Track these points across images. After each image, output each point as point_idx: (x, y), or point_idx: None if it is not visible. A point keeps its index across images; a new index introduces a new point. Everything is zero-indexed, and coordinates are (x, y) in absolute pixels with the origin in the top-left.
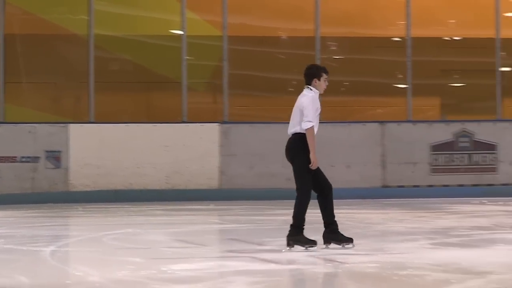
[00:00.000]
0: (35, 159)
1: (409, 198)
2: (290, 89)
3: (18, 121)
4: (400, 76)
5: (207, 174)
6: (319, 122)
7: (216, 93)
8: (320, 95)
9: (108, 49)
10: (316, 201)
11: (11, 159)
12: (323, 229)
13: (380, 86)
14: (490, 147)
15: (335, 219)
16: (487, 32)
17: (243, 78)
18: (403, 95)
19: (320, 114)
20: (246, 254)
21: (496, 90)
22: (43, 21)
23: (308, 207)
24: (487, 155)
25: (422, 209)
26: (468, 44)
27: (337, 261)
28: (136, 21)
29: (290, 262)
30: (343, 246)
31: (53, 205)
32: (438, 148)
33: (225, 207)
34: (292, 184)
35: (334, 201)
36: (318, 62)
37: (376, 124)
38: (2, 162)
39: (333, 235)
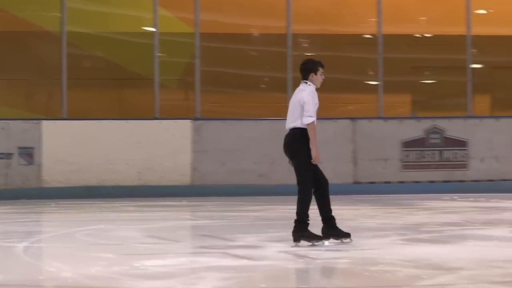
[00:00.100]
0: (8, 155)
1: (380, 194)
2: (262, 85)
3: None
4: (372, 73)
5: (179, 171)
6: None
7: (188, 89)
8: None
9: (80, 46)
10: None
11: None
12: (320, 224)
13: (352, 83)
14: (461, 143)
15: (332, 214)
16: (458, 29)
17: (215, 75)
18: (375, 92)
19: (318, 109)
20: (218, 250)
21: (467, 87)
22: (16, 18)
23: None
24: (458, 151)
25: (393, 205)
26: (439, 41)
27: (309, 257)
28: (109, 18)
29: (262, 258)
30: (341, 241)
31: (26, 201)
32: (409, 144)
33: (197, 203)
34: (264, 181)
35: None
36: (289, 60)
37: (347, 120)
38: None
39: (332, 230)
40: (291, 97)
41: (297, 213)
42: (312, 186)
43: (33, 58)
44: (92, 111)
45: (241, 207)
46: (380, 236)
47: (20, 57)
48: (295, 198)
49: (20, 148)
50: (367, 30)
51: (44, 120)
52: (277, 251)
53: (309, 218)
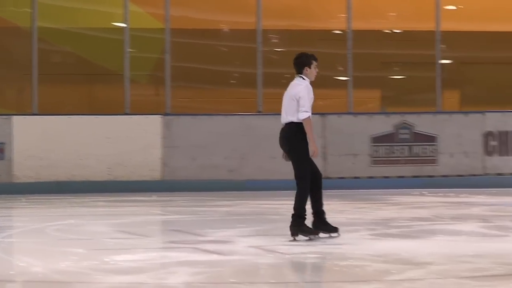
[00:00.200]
0: None
1: (350, 190)
2: (232, 81)
3: None
4: (341, 68)
5: (149, 166)
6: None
7: (159, 85)
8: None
9: (51, 42)
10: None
11: None
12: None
13: (321, 79)
14: (430, 139)
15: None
16: (427, 25)
17: (185, 71)
18: (344, 87)
19: (313, 103)
20: (188, 245)
21: (436, 83)
22: None
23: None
24: (427, 147)
25: (363, 200)
26: (409, 37)
27: (279, 252)
28: (79, 13)
29: (232, 253)
30: (330, 235)
31: None
32: (378, 140)
33: (168, 198)
34: (234, 176)
35: (275, 192)
36: (259, 55)
37: (317, 116)
38: None
39: (322, 225)
40: (261, 92)
41: (294, 207)
42: (309, 180)
43: (3, 53)
44: (62, 106)
45: (211, 202)
46: (349, 231)
47: None
48: (265, 193)
49: None
50: (337, 25)
51: (14, 116)
52: (247, 246)
53: (306, 213)
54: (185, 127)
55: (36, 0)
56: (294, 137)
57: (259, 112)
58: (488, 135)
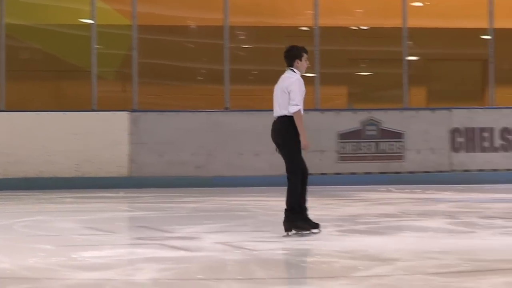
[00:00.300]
0: None
1: (317, 186)
2: (199, 77)
3: None
4: (308, 65)
5: (117, 162)
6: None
7: (126, 81)
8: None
9: (18, 38)
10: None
11: None
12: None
13: None
14: (397, 135)
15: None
16: (394, 22)
17: (152, 67)
18: (311, 83)
19: (305, 96)
20: (156, 241)
21: (403, 79)
22: None
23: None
24: (394, 143)
25: (330, 196)
26: (375, 34)
27: (246, 248)
28: (47, 10)
29: (199, 249)
30: (310, 232)
31: None
32: (345, 136)
33: (135, 194)
34: (201, 172)
35: (243, 188)
36: (226, 52)
37: None
38: None
39: (304, 221)
40: (228, 89)
41: (287, 202)
42: (300, 175)
43: None
44: (30, 103)
45: (178, 199)
46: None
47: None
48: (232, 189)
49: None
50: (304, 22)
51: None
52: (214, 242)
53: (299, 207)
54: (152, 124)
55: None
56: (286, 131)
57: (226, 108)
58: (454, 132)
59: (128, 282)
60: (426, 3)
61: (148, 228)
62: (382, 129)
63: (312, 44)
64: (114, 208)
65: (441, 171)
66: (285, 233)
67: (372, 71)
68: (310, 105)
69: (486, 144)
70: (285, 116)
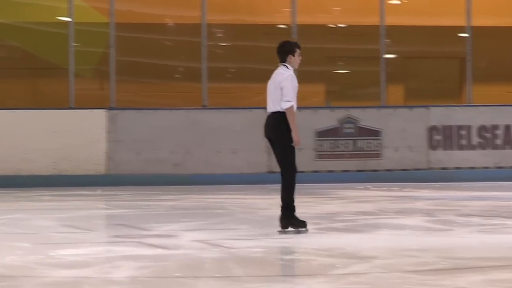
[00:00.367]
0: None
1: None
2: (177, 75)
3: None
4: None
5: (94, 160)
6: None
7: (103, 79)
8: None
9: None
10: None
11: None
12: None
13: (266, 73)
14: (374, 133)
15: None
16: (371, 20)
17: (130, 65)
18: None
19: (298, 92)
20: (133, 239)
21: (381, 77)
22: None
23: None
24: (372, 141)
25: (307, 194)
26: (353, 31)
27: (223, 246)
28: (24, 8)
29: (177, 247)
30: (298, 230)
31: None
32: (323, 134)
33: (113, 192)
34: (178, 170)
35: (220, 186)
36: (204, 50)
37: (262, 110)
38: None
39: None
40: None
41: (282, 200)
42: (296, 171)
43: None
44: (7, 100)
45: (156, 197)
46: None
47: None
48: (210, 187)
49: None
50: (281, 20)
51: None
52: (191, 240)
53: (294, 203)
54: (130, 121)
55: None
56: (278, 127)
57: (204, 106)
58: (432, 130)
59: (106, 280)
60: (404, 1)
61: (126, 226)
62: (360, 127)
63: None
64: (92, 206)
65: (418, 169)
66: (281, 230)
67: (349, 69)
68: None
69: (463, 142)
70: (278, 112)
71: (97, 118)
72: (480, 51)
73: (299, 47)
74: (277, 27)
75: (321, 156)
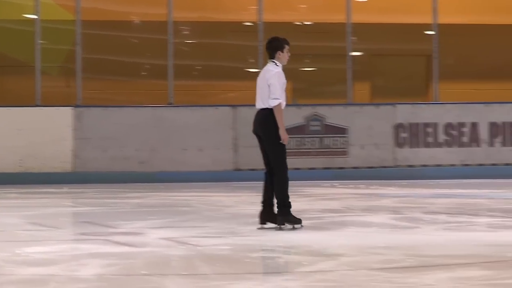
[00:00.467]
0: None
1: (261, 181)
2: (143, 73)
3: None
4: (252, 60)
5: (61, 158)
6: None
7: (70, 77)
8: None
9: None
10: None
11: None
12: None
13: (232, 70)
14: (341, 130)
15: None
16: (338, 17)
17: (96, 62)
18: (255, 79)
19: (286, 88)
20: (100, 237)
21: (347, 75)
22: None
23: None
24: (338, 138)
25: None
26: (319, 29)
27: (190, 244)
28: None
29: (143, 244)
30: (279, 228)
31: None
32: (289, 131)
33: (79, 190)
34: (145, 167)
35: (186, 184)
36: (170, 47)
37: (228, 108)
38: None
39: (271, 216)
40: (172, 84)
41: (277, 197)
42: (287, 168)
43: None
44: None
45: (122, 194)
46: None
47: None
48: (176, 184)
49: None
50: (248, 17)
51: None
52: (158, 238)
53: (289, 199)
54: (96, 119)
55: None
56: (266, 124)
57: (170, 104)
58: (398, 127)
59: (72, 277)
60: None
61: (92, 224)
62: (326, 124)
63: (256, 40)
64: (58, 203)
65: (385, 167)
66: (277, 227)
67: (316, 66)
68: (254, 101)
69: (430, 139)
70: (267, 108)
71: (63, 115)
72: (447, 49)
73: (288, 43)
74: (244, 24)
75: (287, 153)
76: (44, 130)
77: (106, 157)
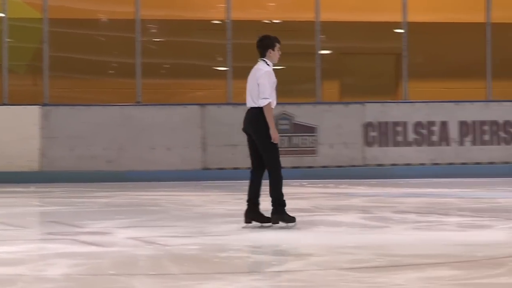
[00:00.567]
0: None
1: (229, 180)
2: (110, 71)
3: None
4: (220, 58)
5: (28, 157)
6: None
7: (37, 75)
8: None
9: None
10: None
11: None
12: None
13: (201, 69)
14: (310, 129)
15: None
16: (306, 15)
17: (63, 61)
18: (224, 77)
19: (276, 87)
20: (67, 236)
21: (316, 73)
22: None
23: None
24: (307, 137)
25: (242, 191)
26: (288, 27)
27: (158, 243)
28: None
29: (111, 244)
30: (262, 225)
31: None
32: None
33: (46, 189)
34: (112, 167)
35: (155, 183)
36: (138, 45)
37: (196, 106)
38: None
39: (255, 214)
40: (139, 83)
41: (272, 196)
42: (280, 165)
43: None
44: None
45: (90, 194)
46: (229, 222)
47: None
48: (144, 184)
49: None
50: (216, 15)
51: None
52: (126, 237)
53: (284, 197)
54: (63, 118)
55: None
56: (256, 123)
57: (138, 102)
58: (368, 126)
59: (40, 277)
60: None
61: (60, 223)
62: (295, 123)
63: (224, 38)
64: (25, 203)
65: (354, 166)
66: (272, 225)
67: (284, 64)
68: (222, 99)
69: (399, 138)
70: (256, 108)
71: (30, 114)
72: (416, 47)
73: (279, 42)
74: (212, 22)
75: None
76: (11, 129)
77: (74, 156)
